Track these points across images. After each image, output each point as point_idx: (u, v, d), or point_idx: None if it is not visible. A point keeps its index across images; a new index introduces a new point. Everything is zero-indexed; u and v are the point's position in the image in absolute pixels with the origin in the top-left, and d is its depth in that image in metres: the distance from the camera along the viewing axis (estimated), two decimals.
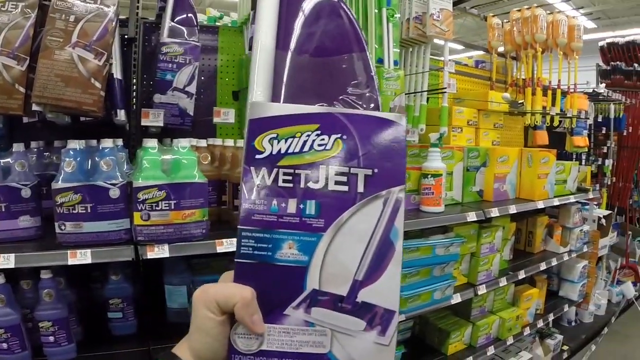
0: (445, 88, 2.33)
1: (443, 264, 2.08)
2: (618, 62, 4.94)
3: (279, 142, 0.52)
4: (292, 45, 0.63)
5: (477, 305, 2.60)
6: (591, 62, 5.24)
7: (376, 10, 2.03)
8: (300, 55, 0.63)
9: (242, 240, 0.51)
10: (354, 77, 0.65)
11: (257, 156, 0.52)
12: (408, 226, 1.90)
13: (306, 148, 0.52)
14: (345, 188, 0.52)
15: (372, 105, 0.65)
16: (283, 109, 0.54)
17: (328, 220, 0.51)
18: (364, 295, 0.51)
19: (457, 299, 2.21)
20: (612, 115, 4.56)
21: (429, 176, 2.09)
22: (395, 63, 2.08)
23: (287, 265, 0.51)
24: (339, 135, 0.53)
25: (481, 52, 3.81)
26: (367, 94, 0.65)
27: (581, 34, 3.28)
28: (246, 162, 0.52)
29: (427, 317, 2.58)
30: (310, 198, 0.51)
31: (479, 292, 2.35)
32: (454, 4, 2.64)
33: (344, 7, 0.66)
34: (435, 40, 2.40)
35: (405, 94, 2.38)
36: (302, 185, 0.52)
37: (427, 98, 2.54)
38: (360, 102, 0.64)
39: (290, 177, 0.52)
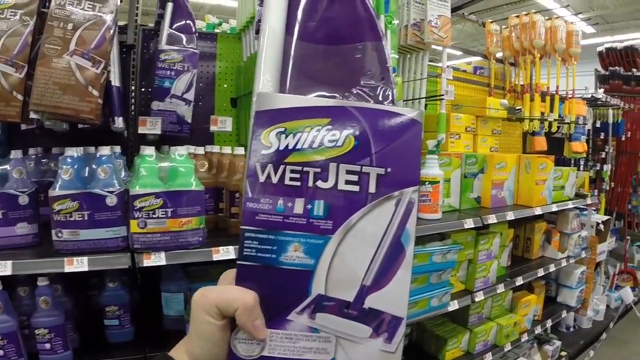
0: (443, 95, 2.33)
1: (440, 271, 2.07)
2: (616, 67, 4.96)
3: (286, 136, 0.49)
4: (304, 31, 0.59)
5: (474, 312, 2.60)
6: (589, 67, 5.25)
7: None
8: (312, 42, 0.59)
9: (245, 242, 0.48)
10: (369, 68, 0.61)
11: (263, 151, 0.49)
12: None
13: (316, 144, 0.49)
14: (356, 188, 0.49)
15: (387, 99, 0.61)
16: (292, 100, 0.50)
17: (337, 222, 0.48)
18: (371, 301, 0.49)
19: (454, 305, 2.20)
20: (610, 121, 4.57)
21: (427, 183, 2.09)
22: (393, 70, 2.08)
23: (292, 268, 0.48)
24: (351, 131, 0.49)
25: (479, 58, 3.82)
26: (382, 87, 0.61)
27: (579, 40, 3.29)
28: (251, 158, 0.49)
29: (424, 324, 2.58)
30: (319, 198, 0.48)
31: (477, 299, 2.35)
32: (453, 10, 2.66)
33: None
34: (434, 47, 2.41)
35: (403, 101, 2.39)
36: (310, 184, 0.49)
37: (425, 105, 2.55)
38: (374, 95, 0.60)
39: (298, 175, 0.49)
